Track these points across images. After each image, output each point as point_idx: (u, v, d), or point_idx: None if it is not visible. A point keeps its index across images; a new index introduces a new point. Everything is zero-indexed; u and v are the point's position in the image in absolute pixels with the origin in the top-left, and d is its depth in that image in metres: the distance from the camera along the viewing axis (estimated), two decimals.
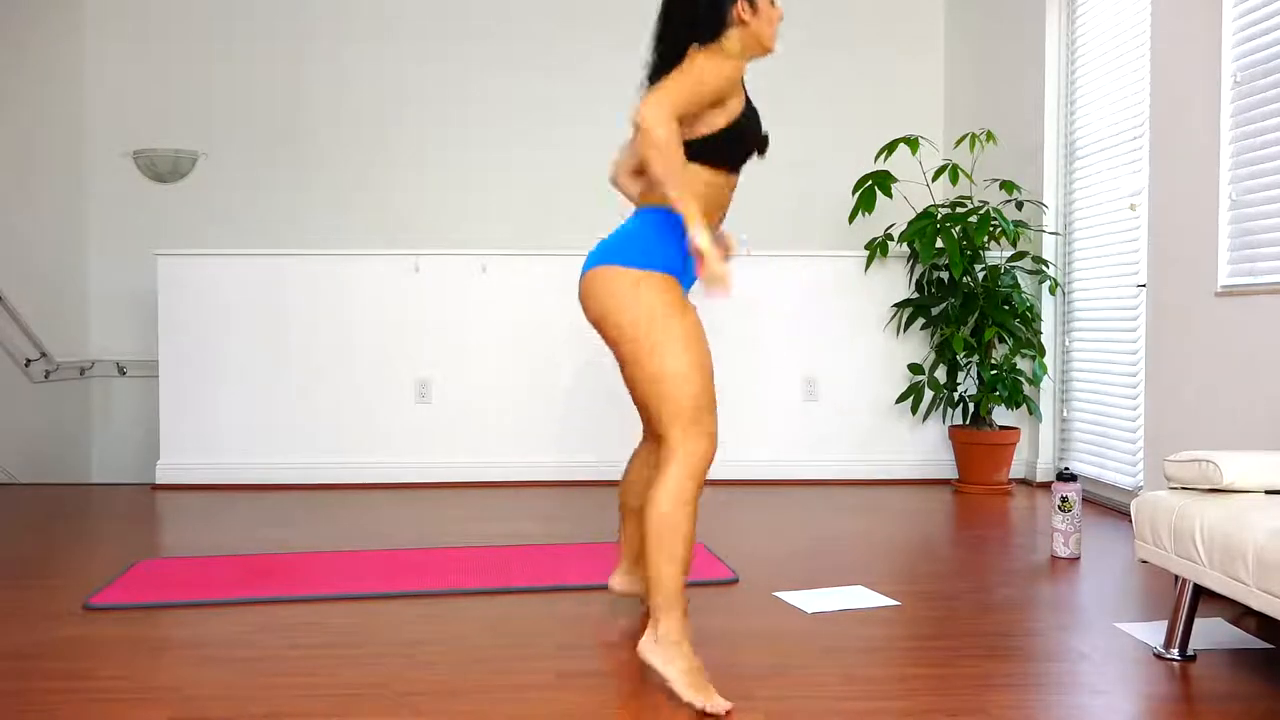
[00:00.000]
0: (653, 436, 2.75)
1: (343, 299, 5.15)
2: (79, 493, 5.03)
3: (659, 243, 2.38)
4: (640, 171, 2.61)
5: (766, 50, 2.47)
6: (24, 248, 5.79)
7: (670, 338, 2.30)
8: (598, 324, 2.41)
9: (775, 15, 2.46)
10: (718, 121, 2.35)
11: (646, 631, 2.27)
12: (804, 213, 6.27)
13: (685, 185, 2.20)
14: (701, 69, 2.28)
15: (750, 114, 2.41)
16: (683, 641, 2.23)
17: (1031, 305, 4.88)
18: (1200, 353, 3.73)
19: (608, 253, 2.39)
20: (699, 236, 2.18)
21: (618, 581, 2.86)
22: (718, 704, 2.14)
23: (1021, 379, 4.86)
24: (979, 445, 4.85)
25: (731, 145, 2.39)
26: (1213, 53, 3.67)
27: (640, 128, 2.17)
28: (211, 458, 5.11)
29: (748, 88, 2.53)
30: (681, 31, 2.39)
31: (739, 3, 2.39)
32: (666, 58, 2.39)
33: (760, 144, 2.47)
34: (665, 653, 2.22)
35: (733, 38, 2.41)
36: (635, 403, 2.47)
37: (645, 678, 2.35)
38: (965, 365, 5.00)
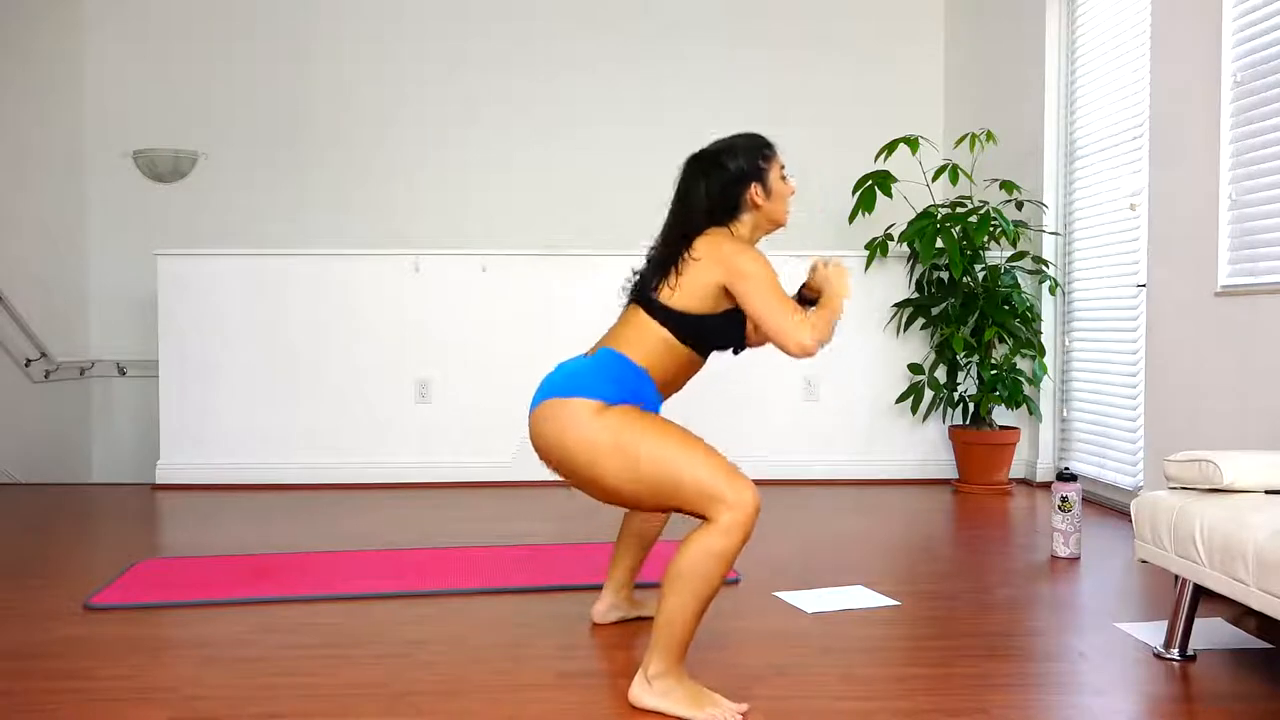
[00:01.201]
0: None
1: (343, 299, 5.15)
2: (79, 493, 5.03)
3: (625, 380, 2.25)
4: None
5: (779, 226, 2.43)
6: (24, 248, 5.78)
7: (644, 435, 2.15)
8: (552, 454, 2.22)
9: (788, 191, 2.41)
10: (722, 305, 2.30)
11: (636, 678, 2.16)
12: (804, 212, 6.26)
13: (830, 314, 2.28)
14: (759, 265, 2.23)
15: (740, 312, 2.35)
16: (671, 672, 2.13)
17: (1031, 305, 4.88)
18: (1200, 353, 3.73)
19: (564, 384, 2.24)
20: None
21: (601, 610, 2.74)
22: (727, 710, 2.10)
23: (1021, 379, 4.86)
24: (979, 445, 4.85)
25: (721, 333, 2.35)
26: (1213, 53, 3.67)
27: (810, 352, 2.20)
28: (211, 458, 5.11)
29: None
30: (695, 216, 2.36)
31: (752, 187, 2.36)
32: (672, 241, 2.35)
33: (739, 344, 2.43)
34: (659, 687, 2.13)
35: (745, 222, 2.38)
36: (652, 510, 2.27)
37: None
38: (965, 365, 5.01)
